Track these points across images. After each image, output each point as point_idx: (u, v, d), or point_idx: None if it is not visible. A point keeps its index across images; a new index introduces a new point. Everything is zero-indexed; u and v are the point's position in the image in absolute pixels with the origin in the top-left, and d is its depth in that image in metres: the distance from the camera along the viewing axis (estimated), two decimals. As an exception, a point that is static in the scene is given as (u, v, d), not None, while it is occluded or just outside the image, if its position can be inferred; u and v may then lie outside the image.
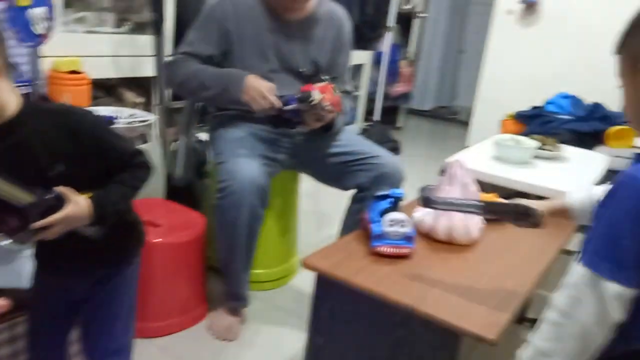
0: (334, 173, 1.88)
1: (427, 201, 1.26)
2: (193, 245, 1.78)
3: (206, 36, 1.78)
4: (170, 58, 1.89)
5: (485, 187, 2.02)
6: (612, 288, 0.74)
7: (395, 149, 4.28)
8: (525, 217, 1.14)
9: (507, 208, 1.17)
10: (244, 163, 1.65)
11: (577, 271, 0.79)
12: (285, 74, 1.83)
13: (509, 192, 2.00)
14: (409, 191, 1.79)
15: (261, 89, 1.66)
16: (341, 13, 1.91)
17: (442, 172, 1.68)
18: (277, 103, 1.67)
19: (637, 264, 0.74)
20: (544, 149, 2.19)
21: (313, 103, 1.65)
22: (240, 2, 1.78)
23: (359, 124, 4.43)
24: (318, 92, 1.65)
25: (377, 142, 4.08)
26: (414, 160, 4.27)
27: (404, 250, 1.37)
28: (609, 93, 0.74)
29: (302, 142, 1.86)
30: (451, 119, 5.83)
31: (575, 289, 0.78)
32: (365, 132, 4.33)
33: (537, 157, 2.14)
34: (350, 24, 1.94)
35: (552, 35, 3.65)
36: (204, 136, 2.23)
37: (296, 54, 1.83)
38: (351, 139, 1.92)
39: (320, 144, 1.86)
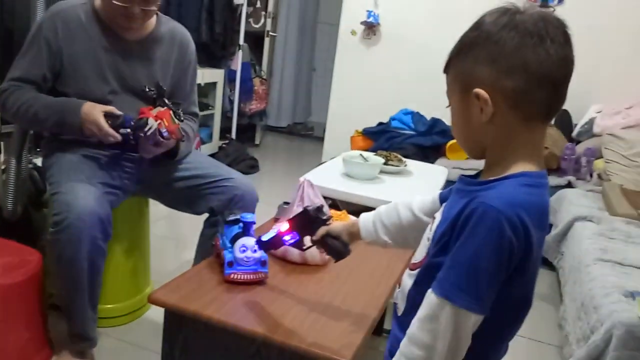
0: (184, 198, 1.80)
1: (260, 244, 1.25)
2: (27, 285, 1.60)
3: (35, 58, 1.63)
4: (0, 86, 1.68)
5: (342, 204, 2.10)
6: (472, 319, 0.75)
7: (253, 166, 4.28)
8: (319, 219, 1.12)
9: (302, 212, 1.14)
10: (81, 192, 1.51)
11: (436, 303, 0.77)
12: (127, 95, 1.73)
13: (360, 209, 2.10)
14: (268, 209, 1.78)
15: (98, 122, 1.55)
16: (183, 32, 1.85)
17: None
18: (116, 137, 1.58)
19: (490, 294, 0.76)
20: (389, 165, 2.33)
21: (149, 132, 1.57)
22: (71, 20, 1.64)
23: (216, 142, 4.35)
24: (153, 120, 1.58)
25: (234, 160, 4.15)
26: (273, 177, 4.31)
27: (258, 276, 1.35)
28: (445, 109, 0.79)
29: (147, 167, 1.76)
30: (307, 135, 5.99)
31: (436, 322, 0.76)
32: (222, 151, 4.27)
33: (383, 172, 2.27)
34: (193, 44, 1.88)
35: (392, 55, 3.93)
36: (40, 162, 2.01)
37: (137, 75, 1.73)
38: (201, 161, 1.85)
39: (167, 168, 1.78)
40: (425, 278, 0.82)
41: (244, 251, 1.33)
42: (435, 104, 0.80)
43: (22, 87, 1.63)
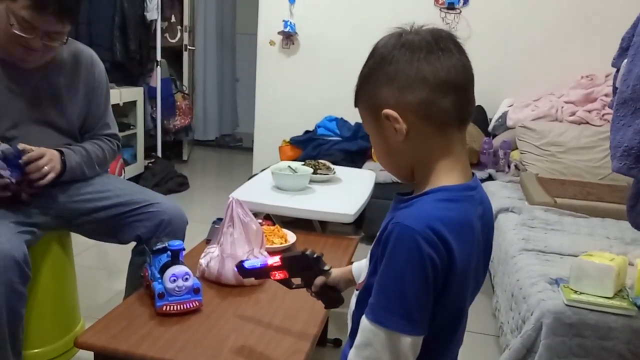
0: (108, 228, 1.71)
1: (240, 270, 1.22)
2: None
3: None
4: None
5: (275, 217, 2.08)
6: (407, 341, 0.74)
7: (182, 183, 4.17)
8: (316, 268, 1.09)
9: (299, 256, 1.10)
10: None
11: (369, 329, 0.76)
12: (34, 126, 1.62)
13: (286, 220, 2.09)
14: (201, 227, 1.72)
15: None
16: (88, 53, 1.74)
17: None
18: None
19: (423, 313, 0.75)
20: (318, 174, 2.34)
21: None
22: None
23: (141, 162, 4.20)
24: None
25: (162, 179, 4.03)
26: (204, 193, 4.22)
27: (192, 305, 1.31)
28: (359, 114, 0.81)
29: (63, 200, 1.66)
30: (236, 146, 5.91)
31: (371, 348, 0.75)
32: (148, 170, 4.14)
33: (313, 181, 2.27)
34: (101, 63, 1.79)
35: (312, 62, 3.96)
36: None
37: (42, 103, 1.63)
38: (122, 187, 1.76)
39: (85, 199, 1.68)
40: (364, 299, 0.81)
41: (174, 280, 1.29)
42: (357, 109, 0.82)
43: None
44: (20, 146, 1.49)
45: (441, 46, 0.78)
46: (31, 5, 1.41)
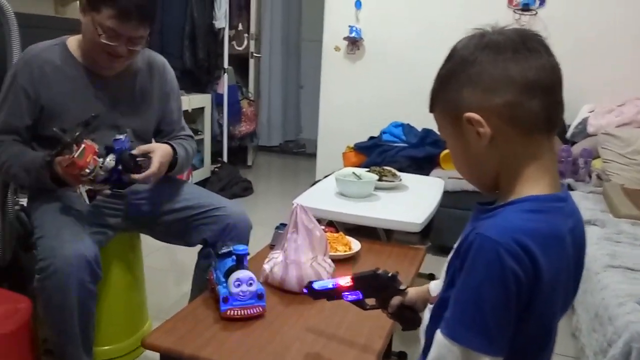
0: (175, 231, 1.74)
1: (310, 292, 1.16)
2: (18, 334, 1.52)
3: (13, 108, 1.58)
4: None
5: (339, 224, 2.04)
6: None
7: (247, 188, 4.22)
8: (392, 288, 1.04)
9: (372, 275, 1.05)
10: (66, 235, 1.45)
11: (443, 344, 0.71)
12: (109, 131, 1.67)
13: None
14: (264, 231, 1.71)
15: (73, 183, 1.50)
16: (160, 60, 1.81)
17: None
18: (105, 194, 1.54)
19: (503, 332, 0.70)
20: (383, 180, 2.27)
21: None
22: (45, 64, 1.58)
23: (207, 167, 4.30)
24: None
25: (227, 184, 4.10)
26: (268, 198, 4.25)
27: (255, 311, 1.29)
28: (434, 119, 0.76)
29: (135, 202, 1.70)
30: (300, 152, 5.95)
31: None
32: (214, 175, 4.22)
33: (378, 188, 2.21)
34: (172, 70, 1.85)
35: (378, 68, 3.90)
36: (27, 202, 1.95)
37: (119, 109, 1.68)
38: (190, 191, 1.79)
39: (156, 202, 1.72)
40: (439, 313, 0.76)
41: (238, 285, 1.28)
42: (425, 114, 0.76)
43: (2, 142, 1.58)
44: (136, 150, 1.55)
45: (528, 46, 0.73)
46: (116, 15, 1.47)
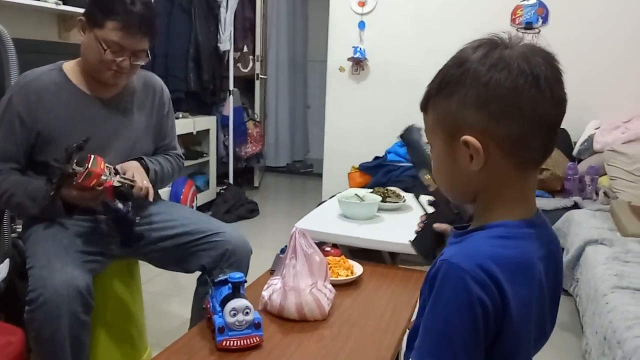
0: (173, 257, 1.71)
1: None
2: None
3: (8, 134, 1.56)
4: None
5: (342, 246, 2.00)
6: None
7: (253, 210, 4.20)
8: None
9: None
10: (57, 265, 1.43)
11: None
12: (109, 153, 1.67)
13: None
14: (268, 254, 1.69)
15: (90, 199, 1.52)
16: (156, 80, 1.82)
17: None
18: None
19: (472, 358, 0.68)
20: (387, 202, 2.25)
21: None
22: (42, 89, 1.58)
23: (213, 189, 4.30)
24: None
25: (233, 206, 4.08)
26: (275, 219, 4.23)
27: (252, 341, 1.25)
28: (423, 119, 0.75)
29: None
30: (307, 172, 5.94)
31: None
32: (220, 197, 4.21)
33: (382, 210, 2.18)
34: (167, 89, 1.86)
35: (382, 88, 3.90)
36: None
37: (118, 131, 1.68)
38: (188, 217, 1.77)
39: (152, 228, 1.69)
40: (413, 340, 0.74)
41: (234, 315, 1.24)
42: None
43: (0, 171, 1.56)
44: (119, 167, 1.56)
45: (545, 74, 0.68)
46: (121, 27, 1.50)
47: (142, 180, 1.59)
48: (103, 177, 1.45)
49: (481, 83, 0.69)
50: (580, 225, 2.44)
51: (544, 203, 2.83)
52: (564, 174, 2.97)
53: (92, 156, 1.45)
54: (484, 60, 0.69)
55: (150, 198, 1.61)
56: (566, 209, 2.80)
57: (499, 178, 0.72)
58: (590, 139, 3.13)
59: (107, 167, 1.49)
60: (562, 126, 2.58)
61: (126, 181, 1.53)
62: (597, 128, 3.18)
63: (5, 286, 1.85)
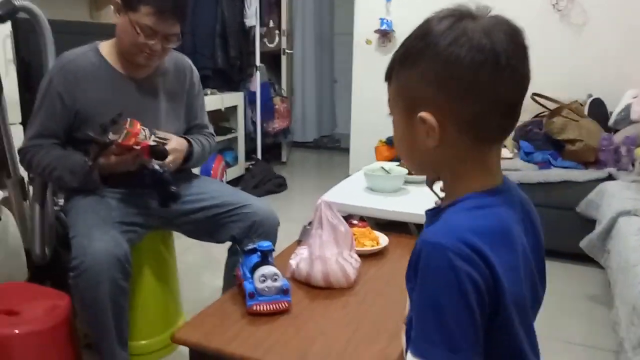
0: (205, 228, 1.78)
1: None
2: (58, 330, 1.58)
3: (49, 113, 1.64)
4: (22, 145, 1.72)
5: (368, 218, 2.02)
6: None
7: (281, 184, 4.25)
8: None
9: None
10: (97, 234, 1.51)
11: None
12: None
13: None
14: (296, 227, 1.73)
15: (129, 162, 1.58)
16: (186, 61, 1.87)
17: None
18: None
19: (471, 339, 0.64)
20: (413, 174, 2.25)
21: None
22: (79, 69, 1.64)
23: (242, 164, 4.35)
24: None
25: (261, 181, 4.13)
26: (303, 194, 4.27)
27: (281, 306, 1.30)
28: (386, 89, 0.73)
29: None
30: (334, 147, 5.95)
31: None
32: (248, 172, 4.27)
33: (408, 182, 2.19)
34: (196, 70, 1.90)
35: (411, 61, 3.85)
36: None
37: (150, 111, 1.73)
38: (218, 189, 1.83)
39: (184, 200, 1.75)
40: (410, 331, 0.72)
41: (263, 281, 1.29)
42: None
43: (42, 146, 1.65)
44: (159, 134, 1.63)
45: (508, 52, 0.66)
46: (154, 12, 1.54)
47: (174, 147, 1.65)
48: (140, 137, 1.53)
49: (441, 59, 0.67)
50: (613, 197, 2.40)
51: (576, 175, 2.78)
52: (599, 144, 2.90)
53: (129, 119, 1.52)
54: (446, 33, 0.68)
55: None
56: (600, 180, 2.74)
57: (458, 154, 0.71)
58: (627, 108, 3.04)
59: (142, 129, 1.55)
60: (596, 95, 2.50)
61: (161, 140, 1.60)
62: (635, 97, 3.07)
63: (51, 256, 1.95)
